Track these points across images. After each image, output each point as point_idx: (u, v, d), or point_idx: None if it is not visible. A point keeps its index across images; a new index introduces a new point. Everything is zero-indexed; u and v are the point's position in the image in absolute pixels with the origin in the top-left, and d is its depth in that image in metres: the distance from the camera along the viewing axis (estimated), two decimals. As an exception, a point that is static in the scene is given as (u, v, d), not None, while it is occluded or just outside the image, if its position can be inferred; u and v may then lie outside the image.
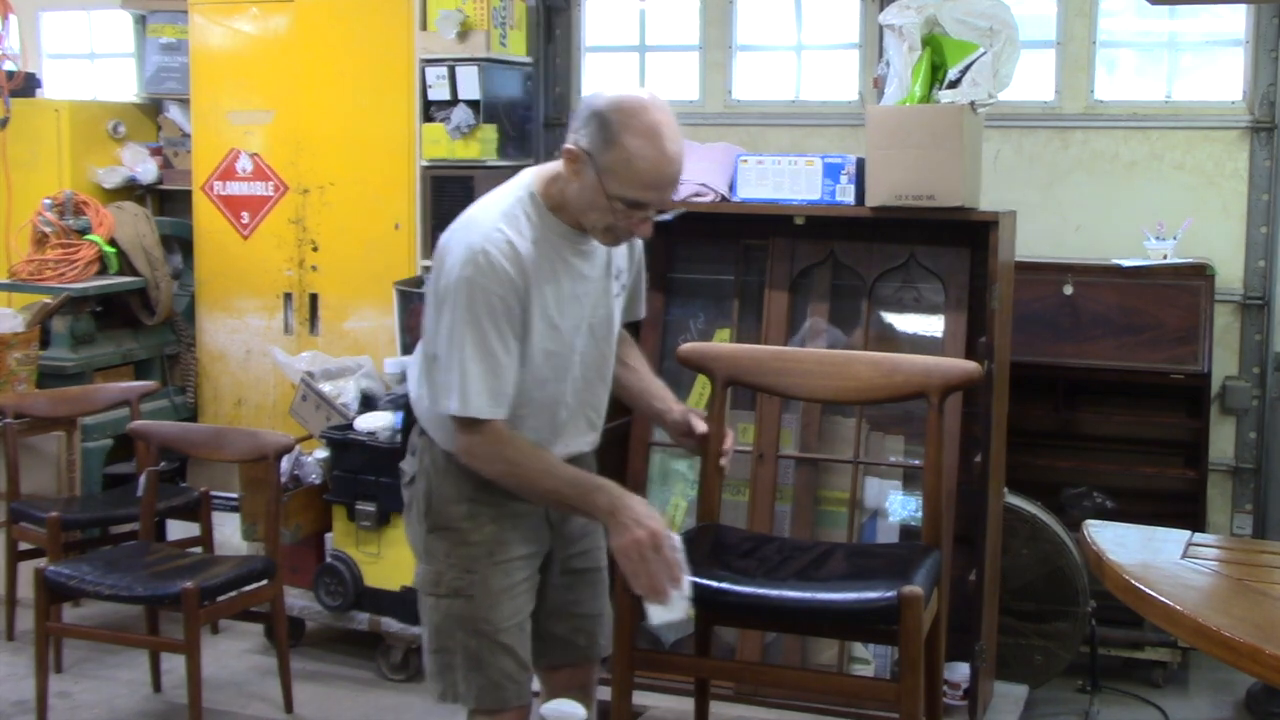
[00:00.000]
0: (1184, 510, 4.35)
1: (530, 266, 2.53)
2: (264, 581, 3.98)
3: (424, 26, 5.17)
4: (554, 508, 2.66)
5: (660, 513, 4.01)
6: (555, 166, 2.63)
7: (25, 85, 5.94)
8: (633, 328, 2.96)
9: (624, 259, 2.78)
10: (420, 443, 2.73)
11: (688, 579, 2.52)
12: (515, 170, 5.60)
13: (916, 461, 3.89)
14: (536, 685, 2.91)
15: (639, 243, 2.81)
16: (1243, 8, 4.68)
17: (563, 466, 2.61)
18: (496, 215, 2.56)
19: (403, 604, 4.34)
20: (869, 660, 3.92)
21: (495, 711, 2.68)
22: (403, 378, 4.70)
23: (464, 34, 5.05)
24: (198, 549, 4.53)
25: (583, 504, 2.57)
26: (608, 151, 2.49)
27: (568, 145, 2.55)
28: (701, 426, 2.83)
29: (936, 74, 3.86)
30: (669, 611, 2.52)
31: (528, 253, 2.53)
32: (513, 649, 2.67)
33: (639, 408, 2.97)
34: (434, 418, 2.66)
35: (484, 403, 2.51)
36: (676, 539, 2.54)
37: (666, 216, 2.70)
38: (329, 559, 4.47)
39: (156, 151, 6.02)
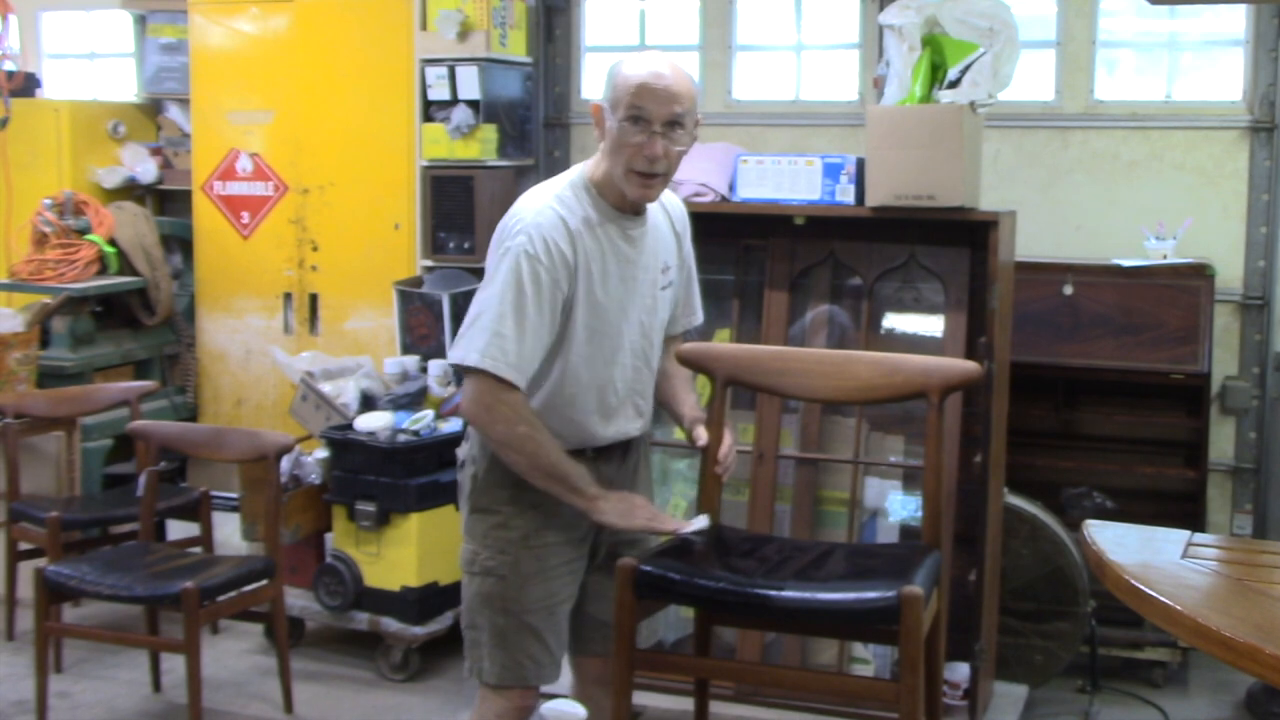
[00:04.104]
0: (1184, 510, 4.36)
1: (580, 243, 2.68)
2: (264, 581, 3.98)
3: (424, 26, 5.17)
4: (547, 483, 2.71)
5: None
6: (599, 154, 2.78)
7: (25, 85, 5.94)
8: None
9: (672, 255, 2.91)
10: (472, 430, 2.84)
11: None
12: (515, 170, 5.65)
13: (916, 462, 3.89)
14: (568, 674, 3.01)
15: (688, 243, 2.98)
16: (1243, 8, 4.68)
17: (563, 452, 2.72)
18: (549, 197, 2.73)
19: (403, 604, 4.34)
20: (869, 660, 3.92)
21: (508, 688, 2.79)
22: (403, 378, 4.71)
23: (464, 34, 5.06)
24: (198, 549, 4.53)
25: (579, 482, 2.69)
26: (611, 89, 2.70)
27: (593, 105, 2.75)
28: (702, 440, 2.91)
29: (936, 74, 3.86)
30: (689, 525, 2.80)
31: (578, 230, 2.68)
32: (538, 631, 2.79)
33: (662, 408, 3.08)
34: None
35: (507, 363, 2.61)
36: (702, 520, 2.83)
37: (683, 147, 2.73)
38: (329, 559, 4.47)
39: (156, 151, 6.02)
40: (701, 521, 2.85)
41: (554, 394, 2.74)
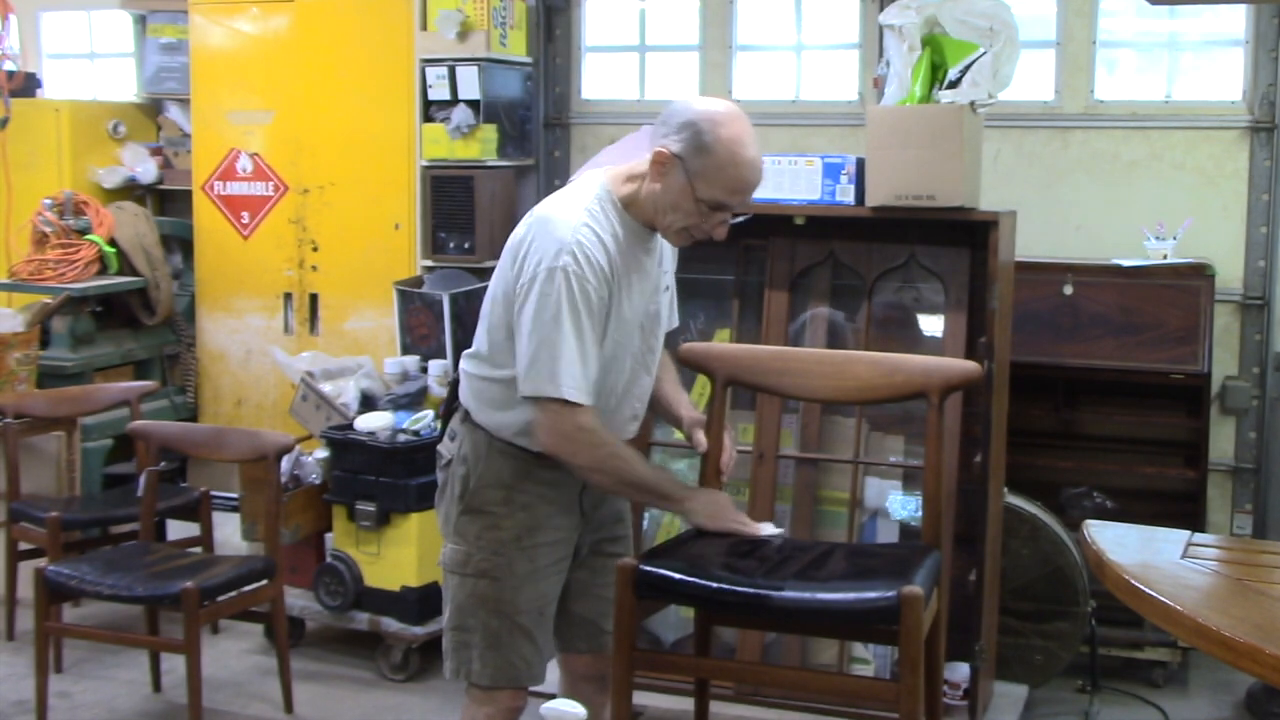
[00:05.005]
0: (1184, 510, 4.36)
1: (614, 260, 2.67)
2: (264, 581, 3.98)
3: (424, 26, 5.17)
4: (636, 496, 2.77)
5: (663, 514, 3.99)
6: (628, 168, 2.76)
7: (25, 85, 5.94)
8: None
9: (670, 260, 2.92)
10: (462, 429, 2.83)
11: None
12: (515, 170, 5.64)
13: (916, 462, 3.89)
14: (555, 674, 3.00)
15: (676, 248, 2.95)
16: (1243, 8, 4.68)
17: (644, 462, 2.79)
18: (582, 211, 2.68)
19: (402, 604, 4.34)
20: (869, 660, 3.92)
21: (500, 689, 2.79)
22: (403, 378, 4.71)
23: (464, 34, 5.06)
24: (198, 549, 4.53)
25: (667, 488, 2.77)
26: (701, 157, 2.63)
27: (658, 149, 2.66)
28: (702, 446, 2.92)
29: (936, 74, 3.86)
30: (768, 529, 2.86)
31: (611, 247, 2.67)
32: (531, 632, 2.79)
33: (657, 413, 3.07)
34: (490, 409, 2.77)
35: (578, 387, 2.61)
36: (775, 528, 2.87)
37: (741, 218, 2.81)
38: (329, 559, 4.47)
39: (156, 151, 6.02)
40: (775, 529, 2.87)
41: None
